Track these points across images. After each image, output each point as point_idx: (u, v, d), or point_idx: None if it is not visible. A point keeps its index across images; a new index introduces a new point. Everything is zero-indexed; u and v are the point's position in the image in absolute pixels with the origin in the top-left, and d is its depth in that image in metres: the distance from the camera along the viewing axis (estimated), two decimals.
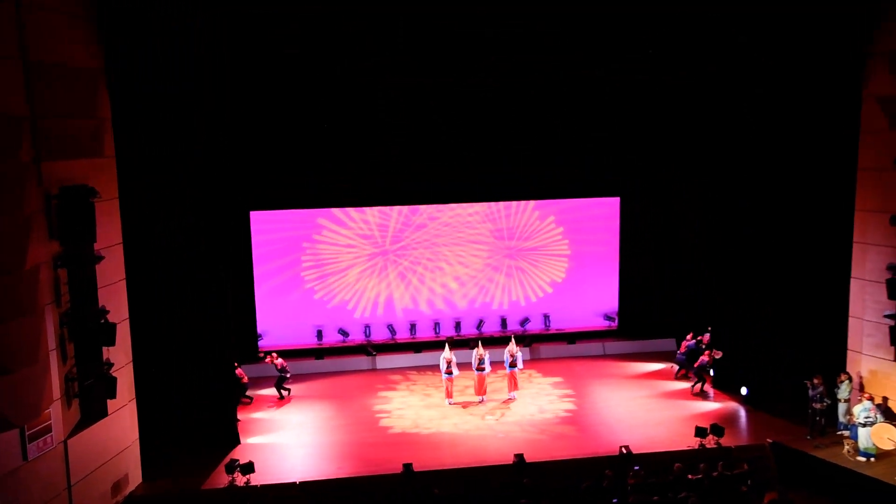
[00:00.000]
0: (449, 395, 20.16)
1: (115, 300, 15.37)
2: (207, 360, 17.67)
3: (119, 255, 15.74)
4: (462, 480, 15.76)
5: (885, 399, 17.00)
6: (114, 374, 15.04)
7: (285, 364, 21.08)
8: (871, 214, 17.35)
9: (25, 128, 12.93)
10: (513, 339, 21.32)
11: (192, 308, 17.27)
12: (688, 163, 22.43)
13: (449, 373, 20.07)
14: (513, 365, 20.57)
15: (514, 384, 20.77)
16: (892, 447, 15.94)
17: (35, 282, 13.01)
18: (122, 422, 15.85)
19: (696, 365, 20.94)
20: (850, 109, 17.40)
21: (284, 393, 21.02)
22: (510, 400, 20.49)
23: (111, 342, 14.85)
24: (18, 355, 12.50)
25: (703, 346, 21.51)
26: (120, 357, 15.59)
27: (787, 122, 18.50)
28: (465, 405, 20.20)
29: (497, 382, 21.32)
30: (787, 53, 17.82)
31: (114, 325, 14.87)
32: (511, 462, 16.34)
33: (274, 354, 21.18)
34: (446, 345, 20.42)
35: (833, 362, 18.03)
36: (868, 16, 16.71)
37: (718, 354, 20.35)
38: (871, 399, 16.60)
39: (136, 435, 16.42)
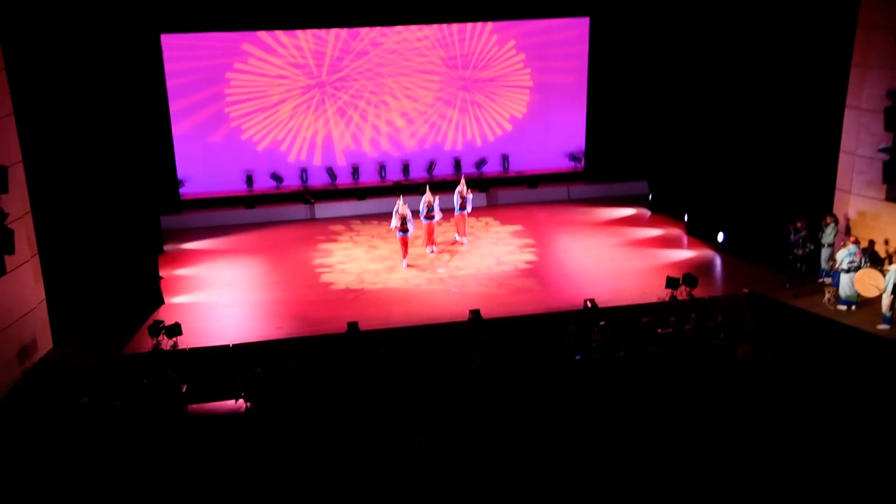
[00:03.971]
0: (405, 254, 20.15)
1: (2, 139, 15.03)
2: (121, 208, 17.52)
3: (3, 83, 15.13)
4: (412, 339, 15.98)
5: (872, 243, 17.27)
6: (10, 226, 14.71)
7: None
8: (875, 32, 16.96)
9: None
10: (463, 180, 21.56)
11: (97, 147, 16.88)
12: None
13: (404, 230, 19.86)
14: (462, 207, 21.03)
15: (462, 229, 21.25)
16: (876, 294, 16.36)
17: None
18: (23, 280, 15.71)
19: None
20: None
21: None
22: (458, 243, 21.11)
23: (3, 188, 14.52)
24: None
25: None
26: (16, 206, 15.27)
27: None
28: (414, 258, 20.36)
29: (449, 233, 21.59)
30: None
31: (4, 169, 14.48)
32: (466, 318, 16.60)
33: None
34: (400, 197, 20.27)
35: (818, 204, 18.31)
36: None
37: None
38: (856, 243, 16.85)
39: (43, 295, 16.39)
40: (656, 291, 17.75)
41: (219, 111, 23.22)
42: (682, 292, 17.44)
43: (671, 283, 17.59)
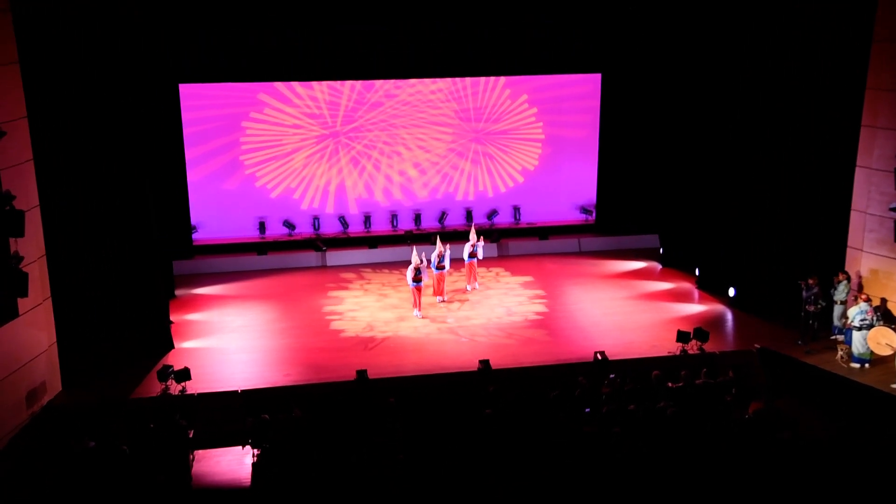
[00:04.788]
0: (417, 305, 19.98)
1: (21, 184, 14.96)
2: (133, 253, 17.51)
3: (24, 130, 15.26)
4: (421, 388, 15.88)
5: (884, 301, 17.24)
6: (24, 270, 14.65)
7: None
8: (884, 93, 17.06)
9: None
10: (473, 229, 21.52)
11: (113, 193, 16.96)
12: (682, 34, 21.73)
13: (417, 280, 19.81)
14: (472, 256, 21.00)
15: (472, 276, 21.25)
16: (889, 352, 16.22)
17: None
18: (35, 323, 15.69)
19: None
20: None
21: None
22: (468, 292, 21.08)
23: (19, 232, 14.39)
24: None
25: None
26: (31, 250, 15.27)
27: None
28: (424, 307, 20.13)
29: (459, 282, 21.49)
30: None
31: (21, 213, 14.36)
32: (475, 369, 16.49)
33: None
34: (414, 250, 20.24)
35: (830, 261, 18.21)
36: None
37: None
38: (868, 301, 16.80)
39: (53, 338, 16.33)
40: (667, 345, 17.56)
41: (233, 159, 23.21)
42: (692, 346, 17.26)
43: (682, 336, 17.35)
